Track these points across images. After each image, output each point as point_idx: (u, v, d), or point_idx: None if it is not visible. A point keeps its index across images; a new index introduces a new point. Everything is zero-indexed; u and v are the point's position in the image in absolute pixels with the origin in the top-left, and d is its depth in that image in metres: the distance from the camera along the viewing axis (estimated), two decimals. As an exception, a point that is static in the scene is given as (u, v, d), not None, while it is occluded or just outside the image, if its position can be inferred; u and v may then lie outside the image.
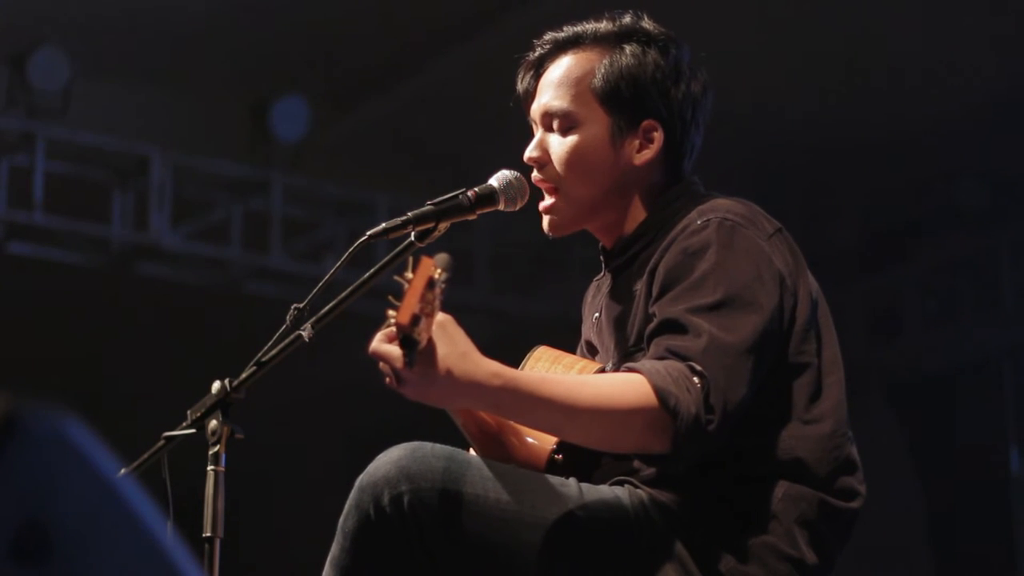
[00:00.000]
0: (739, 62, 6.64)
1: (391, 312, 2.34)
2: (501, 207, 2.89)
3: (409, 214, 2.83)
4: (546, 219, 2.92)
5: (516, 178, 2.89)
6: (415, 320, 2.32)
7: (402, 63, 8.02)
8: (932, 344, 8.24)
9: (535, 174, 2.91)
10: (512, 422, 2.72)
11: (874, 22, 7.28)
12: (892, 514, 7.82)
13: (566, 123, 2.88)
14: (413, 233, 2.83)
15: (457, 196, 2.85)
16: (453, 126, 8.06)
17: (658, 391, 2.52)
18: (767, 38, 7.27)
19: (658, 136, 2.87)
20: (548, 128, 2.91)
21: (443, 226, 2.84)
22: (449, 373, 2.45)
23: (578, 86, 2.88)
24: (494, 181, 2.88)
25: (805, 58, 7.42)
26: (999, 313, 8.05)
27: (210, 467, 2.80)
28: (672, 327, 2.63)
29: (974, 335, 8.12)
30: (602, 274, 2.99)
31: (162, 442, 2.89)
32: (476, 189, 2.87)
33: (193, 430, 2.84)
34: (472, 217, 2.88)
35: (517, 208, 2.92)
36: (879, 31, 7.33)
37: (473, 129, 7.58)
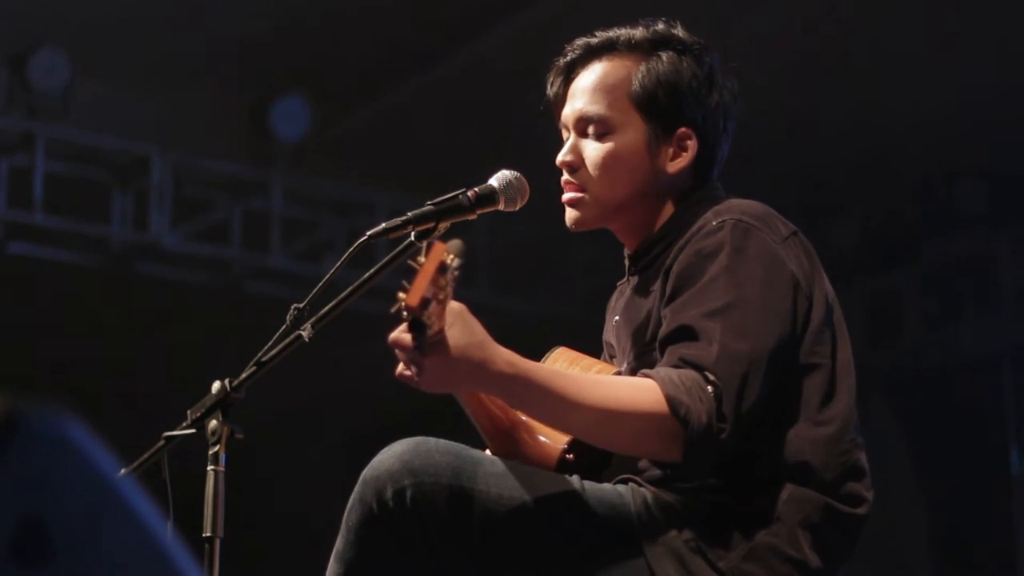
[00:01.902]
0: (738, 62, 6.63)
1: (401, 295, 2.33)
2: (501, 207, 2.89)
3: (409, 214, 2.83)
4: (570, 213, 2.91)
5: (516, 178, 2.89)
6: (425, 303, 2.31)
7: (402, 63, 8.03)
8: (932, 344, 8.24)
9: (565, 177, 2.90)
10: (524, 418, 2.72)
11: (874, 21, 7.28)
12: (892, 515, 7.82)
13: (602, 128, 2.87)
14: (413, 233, 2.82)
15: (457, 196, 2.85)
16: (453, 126, 8.06)
17: (670, 400, 2.53)
18: (767, 38, 7.27)
19: (692, 144, 2.87)
20: (582, 133, 2.90)
21: (443, 226, 2.84)
22: (465, 360, 2.45)
23: (615, 92, 2.87)
24: (494, 181, 2.88)
25: (805, 58, 7.42)
26: (999, 313, 8.05)
27: (210, 467, 2.80)
28: (685, 334, 2.63)
29: (974, 335, 8.12)
30: (625, 279, 2.98)
31: (162, 442, 2.89)
32: (476, 189, 2.87)
33: (193, 430, 2.84)
34: (472, 217, 2.88)
35: (517, 208, 2.92)
36: (879, 30, 7.33)
37: (473, 129, 7.59)
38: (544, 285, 8.71)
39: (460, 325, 2.45)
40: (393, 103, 8.29)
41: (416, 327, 2.33)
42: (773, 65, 7.40)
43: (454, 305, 2.44)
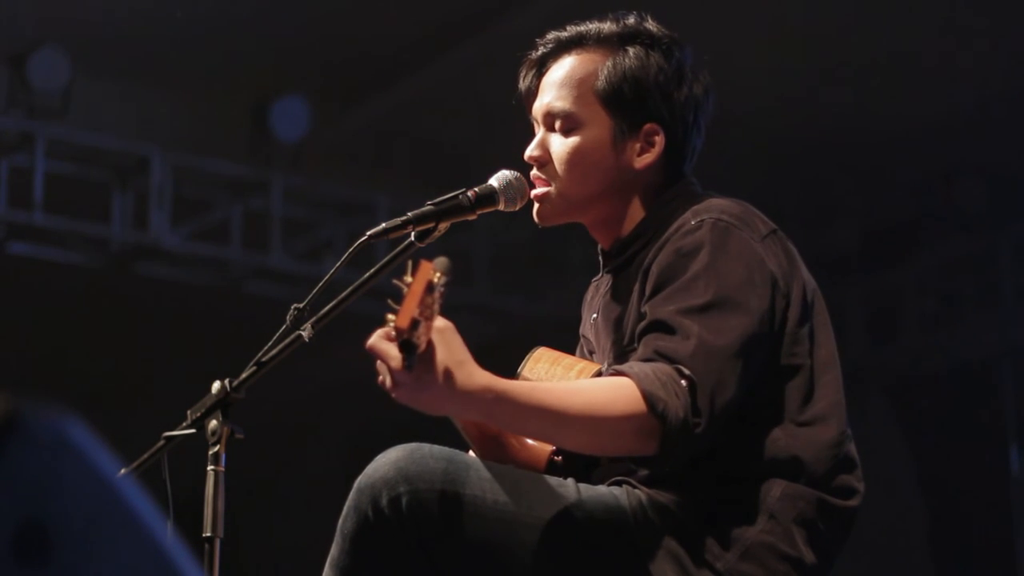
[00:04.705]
0: (739, 62, 6.64)
1: (390, 316, 2.34)
2: (501, 207, 2.89)
3: (409, 214, 2.83)
4: (537, 207, 2.92)
5: (516, 178, 2.89)
6: (414, 324, 2.32)
7: (402, 63, 8.02)
8: (932, 344, 8.24)
9: (534, 172, 2.91)
10: None
11: (874, 22, 7.28)
12: (892, 514, 7.82)
13: (568, 124, 2.88)
14: (413, 233, 2.83)
15: (457, 196, 2.85)
16: (453, 126, 8.06)
17: (646, 396, 2.53)
18: (767, 38, 7.27)
19: (659, 140, 2.87)
20: (550, 128, 2.91)
21: (443, 226, 2.84)
22: (444, 381, 2.43)
23: (580, 87, 2.88)
24: (494, 181, 2.89)
25: (805, 58, 7.42)
26: (999, 313, 8.05)
27: (210, 467, 2.80)
28: (661, 328, 2.63)
29: (974, 335, 8.12)
30: (600, 275, 2.99)
31: (162, 442, 2.89)
32: (476, 189, 2.87)
33: (193, 430, 2.84)
34: (472, 217, 2.88)
35: (517, 208, 2.92)
36: (879, 30, 7.33)
37: (473, 129, 7.59)
38: (544, 285, 8.71)
39: (443, 345, 2.43)
40: (393, 103, 8.29)
41: (406, 348, 2.34)
42: (773, 65, 7.40)
43: (440, 323, 2.43)
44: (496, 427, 2.72)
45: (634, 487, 2.71)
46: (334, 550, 2.65)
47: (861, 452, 2.82)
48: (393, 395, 2.45)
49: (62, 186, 7.92)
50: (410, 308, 2.31)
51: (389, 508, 2.56)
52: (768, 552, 2.66)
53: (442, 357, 2.43)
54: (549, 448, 2.74)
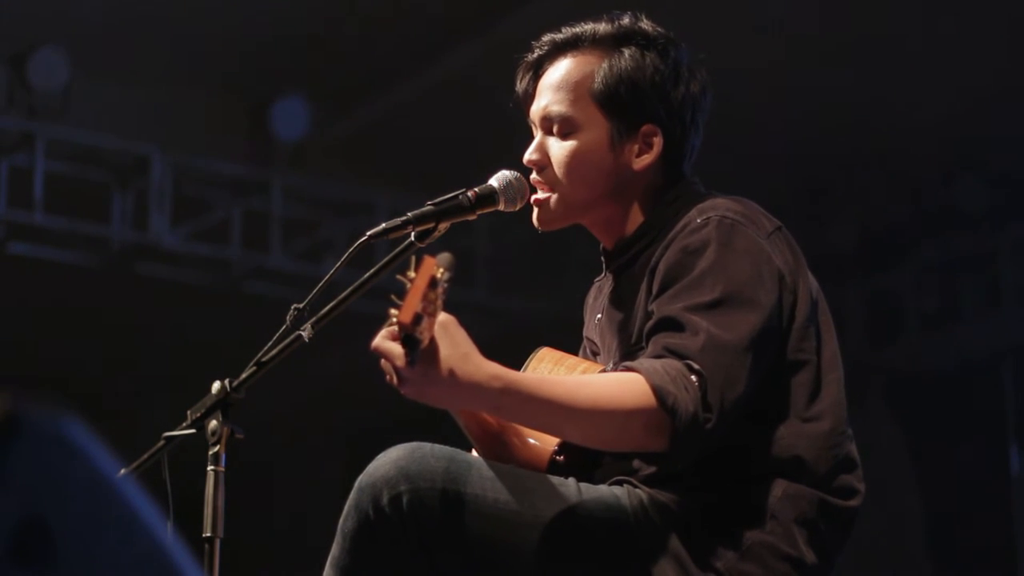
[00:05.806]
0: (739, 63, 6.64)
1: (393, 311, 2.34)
2: (501, 207, 2.89)
3: (409, 214, 2.83)
4: (536, 212, 2.91)
5: (516, 178, 2.89)
6: (417, 319, 2.31)
7: (402, 63, 8.03)
8: (932, 344, 8.24)
9: (534, 175, 2.91)
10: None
11: (875, 22, 7.28)
12: (892, 514, 7.82)
13: (565, 127, 2.87)
14: (413, 233, 2.83)
15: (457, 196, 2.85)
16: (453, 126, 8.06)
17: (656, 390, 2.52)
18: (766, 37, 7.27)
19: (657, 141, 2.86)
20: (547, 131, 2.90)
21: (443, 226, 2.84)
22: (450, 374, 2.44)
23: (577, 90, 2.87)
24: (494, 181, 2.88)
25: (805, 58, 7.42)
26: (999, 313, 8.05)
27: (210, 467, 2.80)
28: (670, 325, 2.63)
29: (974, 335, 8.12)
30: (603, 275, 2.99)
31: (162, 442, 2.89)
32: (476, 189, 2.87)
33: (193, 430, 2.84)
34: (472, 217, 2.88)
35: (517, 208, 2.92)
36: (879, 31, 7.33)
37: (473, 129, 7.59)
38: (544, 285, 8.71)
39: (447, 339, 2.44)
40: (393, 103, 8.29)
41: (409, 343, 2.34)
42: (773, 64, 7.40)
43: (443, 317, 2.43)
44: (502, 420, 2.72)
45: (635, 487, 2.71)
46: (335, 549, 2.65)
47: (861, 452, 2.82)
48: (401, 392, 2.46)
49: (62, 186, 7.92)
50: (413, 303, 2.31)
51: (390, 507, 2.56)
52: (769, 552, 2.66)
53: (446, 350, 2.43)
54: (551, 447, 2.73)
